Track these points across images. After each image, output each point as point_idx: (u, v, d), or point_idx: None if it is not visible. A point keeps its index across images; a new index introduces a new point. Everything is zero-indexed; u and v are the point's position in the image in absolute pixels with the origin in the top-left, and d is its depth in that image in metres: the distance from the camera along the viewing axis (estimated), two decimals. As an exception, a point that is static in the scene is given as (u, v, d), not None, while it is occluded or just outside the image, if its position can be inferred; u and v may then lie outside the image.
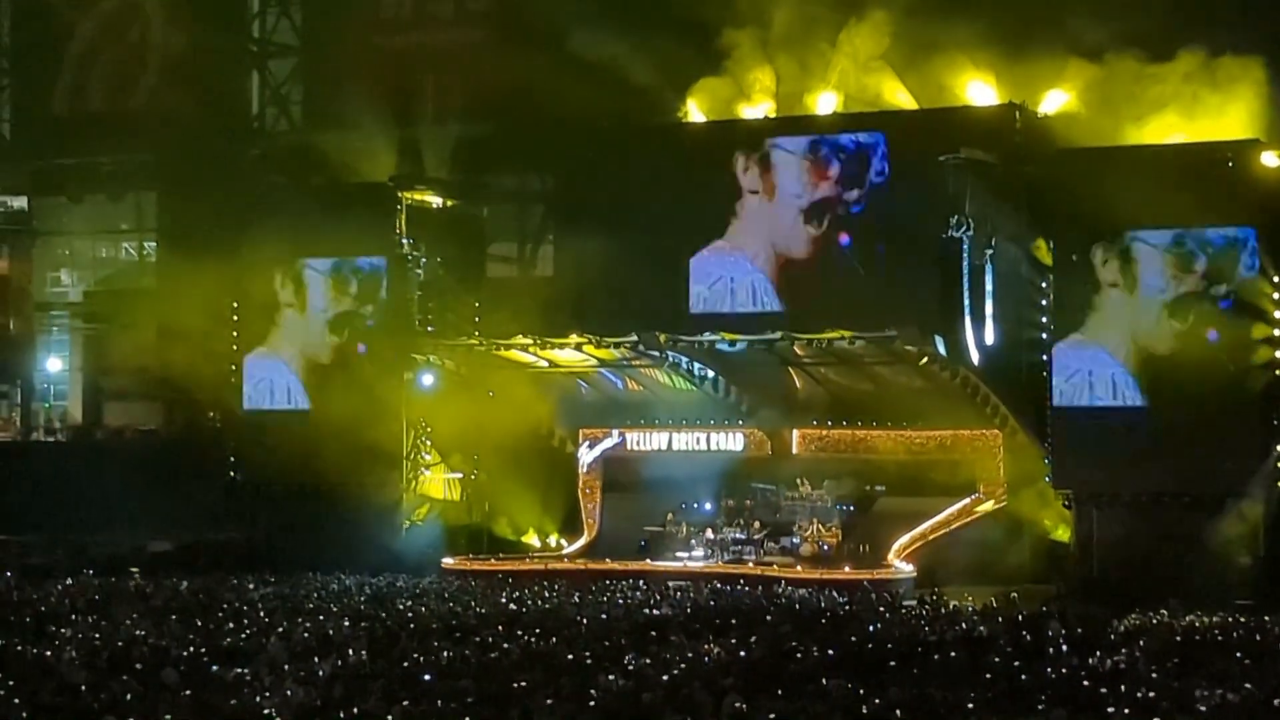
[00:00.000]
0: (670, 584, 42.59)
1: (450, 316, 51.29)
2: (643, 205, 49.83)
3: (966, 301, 44.57)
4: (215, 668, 28.39)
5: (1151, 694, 25.37)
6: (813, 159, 48.76)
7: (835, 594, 40.00)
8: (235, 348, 52.27)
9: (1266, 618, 35.06)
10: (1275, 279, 41.86)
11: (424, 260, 50.57)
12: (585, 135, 51.14)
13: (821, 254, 48.43)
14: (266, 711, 24.23)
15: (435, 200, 51.73)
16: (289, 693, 25.97)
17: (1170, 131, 44.42)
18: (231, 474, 52.15)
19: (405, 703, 24.68)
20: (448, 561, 47.43)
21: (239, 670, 28.16)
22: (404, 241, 50.10)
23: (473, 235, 53.61)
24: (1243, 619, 35.21)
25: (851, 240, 47.97)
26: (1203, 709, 24.03)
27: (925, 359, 44.04)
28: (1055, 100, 46.89)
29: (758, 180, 49.36)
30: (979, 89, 47.56)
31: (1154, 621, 35.07)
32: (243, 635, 32.41)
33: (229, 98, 59.57)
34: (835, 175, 48.51)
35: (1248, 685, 25.97)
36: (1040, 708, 24.24)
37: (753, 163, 49.35)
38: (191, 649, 30.40)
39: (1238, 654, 29.74)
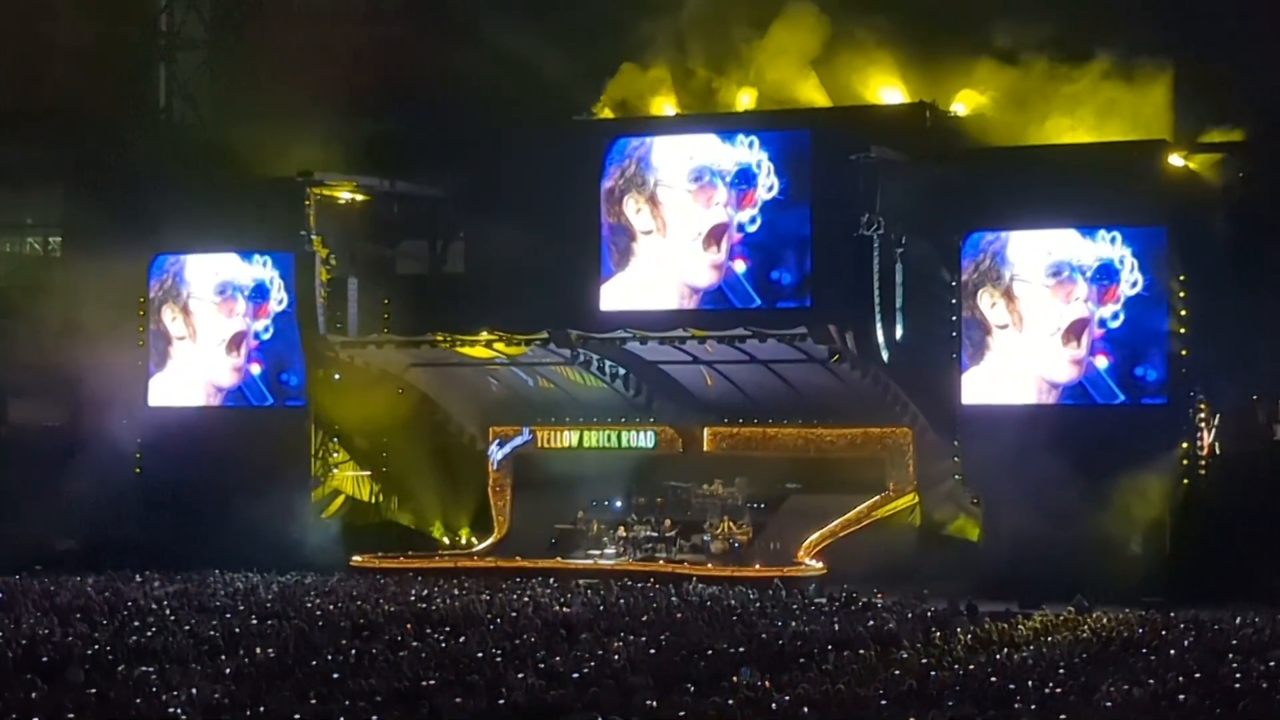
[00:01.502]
0: (581, 582, 42.53)
1: (358, 313, 51.03)
2: (554, 202, 49.82)
3: (877, 300, 44.80)
4: (121, 667, 28.14)
5: (1059, 690, 25.55)
6: (699, 187, 48.96)
7: (746, 591, 40.03)
8: (141, 344, 51.89)
9: (1173, 614, 35.38)
10: (1182, 277, 42.31)
11: (333, 256, 50.31)
12: (497, 132, 51.02)
13: (724, 277, 48.80)
14: (173, 710, 24.01)
15: (344, 195, 51.46)
16: (195, 691, 25.78)
17: (1082, 131, 44.80)
18: (138, 470, 51.75)
19: (314, 700, 24.54)
20: (356, 559, 47.18)
21: (145, 669, 27.92)
22: (312, 237, 49.79)
23: (383, 231, 53.36)
24: (1149, 615, 35.48)
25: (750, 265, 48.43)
26: (1109, 704, 24.19)
27: (835, 357, 44.13)
28: (967, 100, 47.17)
29: (650, 219, 49.57)
30: (889, 89, 47.80)
31: (1061, 618, 35.30)
32: (148, 634, 32.11)
33: (137, 92, 58.99)
34: (725, 199, 48.77)
35: (1152, 681, 26.19)
36: (949, 704, 24.34)
37: (643, 202, 49.52)
38: (97, 647, 30.11)
39: (1144, 650, 30.02)
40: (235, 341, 51.19)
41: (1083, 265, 42.93)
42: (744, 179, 48.46)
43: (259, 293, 50.83)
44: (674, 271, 49.35)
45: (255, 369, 50.85)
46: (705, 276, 49.09)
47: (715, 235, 48.84)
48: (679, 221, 49.24)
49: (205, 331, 51.37)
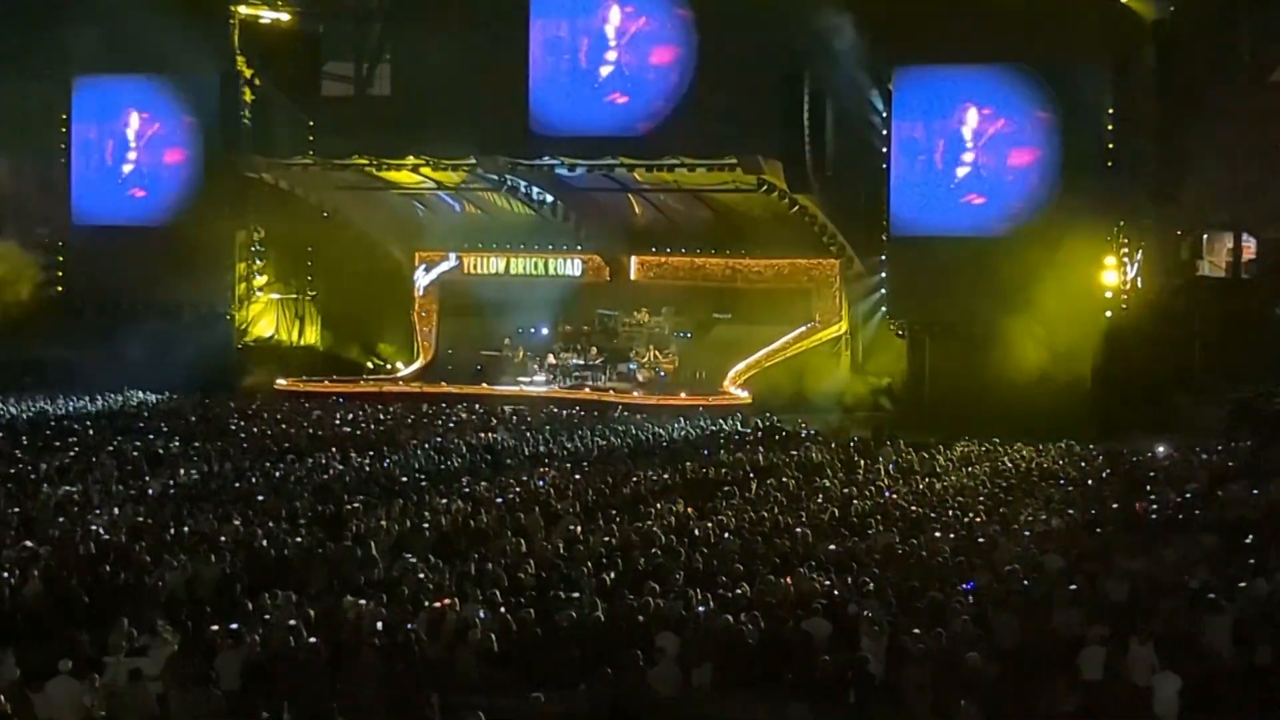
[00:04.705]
0: (506, 408, 42.58)
1: (283, 135, 50.38)
2: (482, 20, 49.11)
3: (806, 130, 44.44)
4: (45, 486, 28.02)
5: (979, 519, 25.82)
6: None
7: (672, 419, 40.18)
8: (63, 161, 51.30)
9: (1092, 446, 35.73)
10: (1111, 110, 42.27)
11: (257, 77, 49.65)
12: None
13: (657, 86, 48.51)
14: (95, 529, 23.95)
15: (268, 15, 50.60)
16: (118, 511, 25.72)
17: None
18: (59, 289, 51.30)
19: (238, 522, 24.53)
20: (280, 382, 47.07)
21: (68, 489, 27.83)
22: (236, 57, 49.03)
23: (307, 52, 52.60)
24: (1068, 446, 35.82)
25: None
26: (1028, 534, 24.47)
27: (764, 187, 43.97)
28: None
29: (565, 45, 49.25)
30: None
31: (983, 449, 35.59)
32: (70, 454, 31.98)
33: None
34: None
35: (1071, 511, 26.51)
36: (870, 531, 24.57)
37: (562, 32, 49.08)
38: (18, 467, 29.97)
39: (1062, 481, 30.34)
40: (118, 161, 51.11)
41: (966, 101, 43.17)
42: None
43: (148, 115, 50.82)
44: (595, 93, 49.08)
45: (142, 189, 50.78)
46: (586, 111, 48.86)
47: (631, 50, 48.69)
48: (596, 45, 48.93)
49: (90, 151, 51.21)
